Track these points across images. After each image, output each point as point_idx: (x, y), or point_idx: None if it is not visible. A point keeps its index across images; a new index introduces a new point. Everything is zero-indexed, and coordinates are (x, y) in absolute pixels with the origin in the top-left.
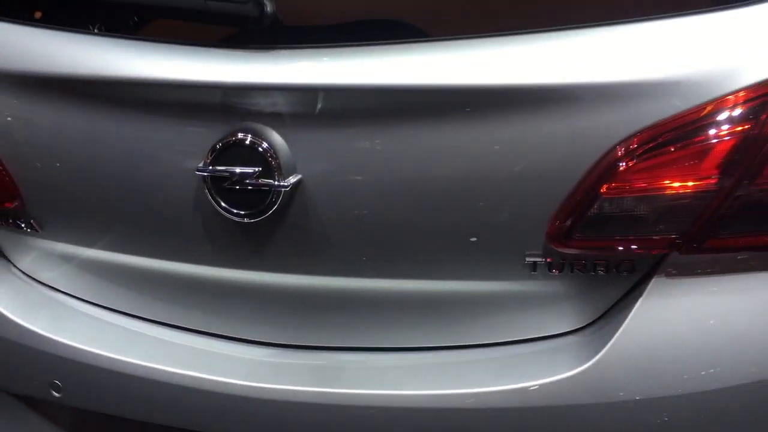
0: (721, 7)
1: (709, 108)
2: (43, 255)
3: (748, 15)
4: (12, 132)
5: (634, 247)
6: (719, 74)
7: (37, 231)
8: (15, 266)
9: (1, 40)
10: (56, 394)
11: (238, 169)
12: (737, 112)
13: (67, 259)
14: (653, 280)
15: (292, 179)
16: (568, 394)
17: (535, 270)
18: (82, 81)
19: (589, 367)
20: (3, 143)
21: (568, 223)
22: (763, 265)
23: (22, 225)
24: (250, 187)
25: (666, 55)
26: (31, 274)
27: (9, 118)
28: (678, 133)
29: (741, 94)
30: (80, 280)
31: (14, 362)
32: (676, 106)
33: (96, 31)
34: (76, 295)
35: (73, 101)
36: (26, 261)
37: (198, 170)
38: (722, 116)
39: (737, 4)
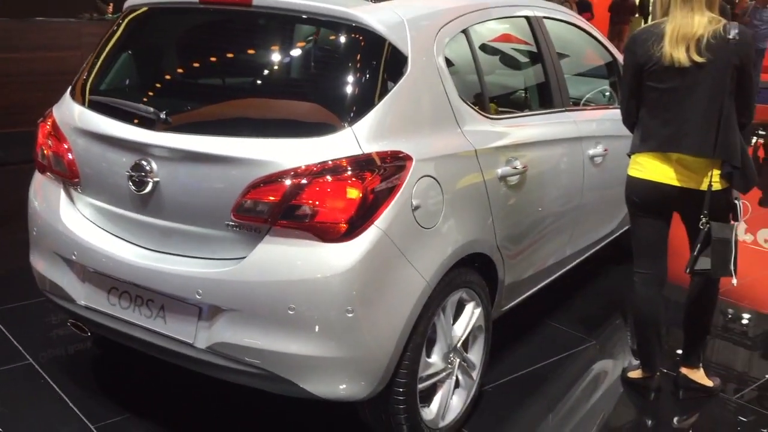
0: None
1: (281, 173)
2: (84, 201)
3: (294, 143)
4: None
5: (252, 221)
6: (281, 160)
7: (80, 192)
8: (76, 206)
9: None
10: (74, 257)
11: (135, 172)
12: (288, 177)
13: (91, 204)
14: (266, 236)
15: (155, 178)
16: (231, 274)
17: (229, 226)
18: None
19: (235, 268)
20: (76, 153)
21: (235, 209)
22: (297, 234)
23: (78, 189)
24: (140, 179)
25: (264, 150)
26: (80, 210)
27: None
28: (265, 180)
29: (284, 171)
30: (94, 213)
31: (62, 243)
32: (269, 170)
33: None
34: (92, 220)
35: (101, 146)
36: (79, 204)
37: (127, 172)
38: (283, 177)
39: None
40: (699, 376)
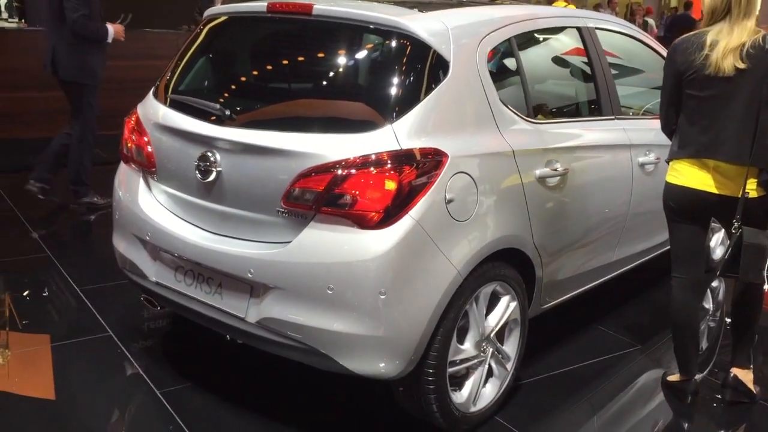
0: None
1: (326, 164)
2: (159, 189)
3: (340, 138)
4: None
5: (299, 208)
6: (328, 153)
7: (156, 180)
8: (152, 193)
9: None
10: (148, 238)
11: (201, 162)
12: (332, 168)
13: (164, 191)
14: (311, 222)
15: (219, 167)
16: (278, 255)
17: (279, 213)
18: (170, 128)
19: (282, 250)
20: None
21: (284, 197)
22: (338, 220)
23: (154, 177)
24: (205, 168)
25: (314, 144)
26: (155, 196)
27: None
28: (313, 171)
29: (330, 163)
30: (167, 199)
31: (139, 226)
32: (316, 161)
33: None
34: (164, 205)
35: (175, 138)
36: (155, 191)
37: (194, 162)
38: (327, 168)
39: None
40: (748, 379)
